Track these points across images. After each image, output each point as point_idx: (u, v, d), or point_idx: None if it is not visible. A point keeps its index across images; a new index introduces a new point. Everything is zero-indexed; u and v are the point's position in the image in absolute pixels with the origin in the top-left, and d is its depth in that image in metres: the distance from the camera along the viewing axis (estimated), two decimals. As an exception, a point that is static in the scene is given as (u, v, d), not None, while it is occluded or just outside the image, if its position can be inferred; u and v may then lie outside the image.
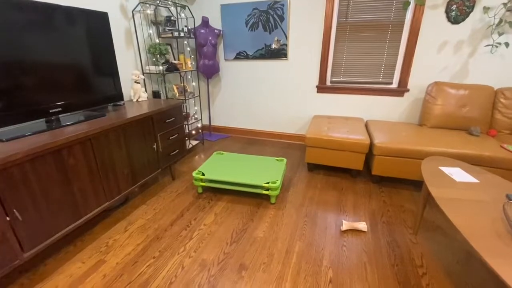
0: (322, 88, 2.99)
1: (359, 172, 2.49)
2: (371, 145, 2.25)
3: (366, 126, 2.69)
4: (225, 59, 3.27)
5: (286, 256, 1.52)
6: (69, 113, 1.77)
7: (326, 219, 1.85)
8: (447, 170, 1.60)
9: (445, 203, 1.28)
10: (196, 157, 2.94)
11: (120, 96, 1.94)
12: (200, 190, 2.17)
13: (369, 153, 2.34)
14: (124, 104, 2.14)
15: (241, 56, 3.18)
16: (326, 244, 1.61)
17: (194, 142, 3.13)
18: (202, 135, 3.34)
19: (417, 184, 2.31)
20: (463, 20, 2.37)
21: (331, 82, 2.96)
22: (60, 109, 1.54)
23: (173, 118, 2.21)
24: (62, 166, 1.38)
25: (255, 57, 3.12)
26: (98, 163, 1.58)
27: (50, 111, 1.49)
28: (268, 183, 1.95)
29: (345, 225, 1.72)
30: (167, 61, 2.53)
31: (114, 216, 1.89)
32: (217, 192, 2.19)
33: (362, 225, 1.71)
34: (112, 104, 2.08)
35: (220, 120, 3.66)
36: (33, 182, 1.26)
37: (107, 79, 1.83)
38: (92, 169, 1.55)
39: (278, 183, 1.95)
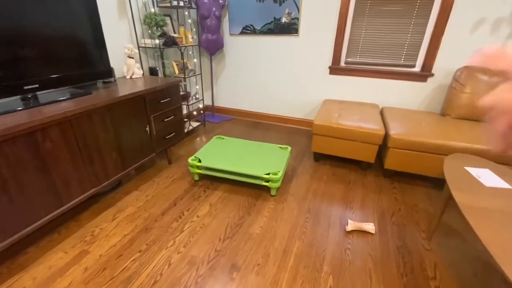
0: (335, 69, 2.71)
1: (370, 165, 2.28)
2: (386, 136, 2.02)
3: (382, 113, 2.45)
4: (230, 34, 3.00)
5: (283, 257, 1.39)
6: (51, 90, 1.61)
7: (331, 216, 1.69)
8: (474, 171, 1.39)
9: (471, 213, 1.09)
10: (197, 139, 2.79)
11: (108, 72, 1.76)
12: (196, 178, 2.03)
13: (383, 145, 2.12)
14: (115, 81, 1.96)
15: (247, 30, 2.89)
16: (328, 246, 1.46)
17: (194, 124, 2.96)
18: (203, 116, 3.16)
19: (435, 182, 2.10)
20: (508, -8, 2.01)
21: (345, 62, 2.67)
22: (36, 85, 1.37)
23: (168, 99, 2.03)
24: (36, 150, 1.23)
25: (262, 32, 2.83)
26: (80, 147, 1.44)
27: (25, 87, 1.33)
28: (268, 174, 1.79)
29: (351, 225, 1.56)
30: (164, 34, 2.29)
31: (103, 201, 1.79)
32: (214, 180, 2.04)
33: (370, 227, 1.55)
34: (102, 81, 1.90)
35: (223, 100, 3.45)
36: (2, 168, 1.12)
37: (92, 52, 1.64)
38: (74, 154, 1.41)
39: (280, 174, 1.78)
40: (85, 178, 1.51)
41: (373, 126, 2.04)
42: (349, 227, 1.55)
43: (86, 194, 1.53)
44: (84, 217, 1.64)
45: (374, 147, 2.05)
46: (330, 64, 2.72)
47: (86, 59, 1.60)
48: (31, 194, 1.25)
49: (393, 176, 2.15)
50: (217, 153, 2.04)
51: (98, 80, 1.85)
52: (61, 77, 1.48)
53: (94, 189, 1.58)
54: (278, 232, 1.55)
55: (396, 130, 1.96)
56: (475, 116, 2.14)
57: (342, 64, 2.69)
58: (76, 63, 1.55)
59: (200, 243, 1.46)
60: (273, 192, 1.87)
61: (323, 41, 2.65)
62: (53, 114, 1.25)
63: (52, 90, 1.61)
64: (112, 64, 2.10)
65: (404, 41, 2.41)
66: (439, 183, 2.07)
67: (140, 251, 1.41)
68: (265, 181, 1.82)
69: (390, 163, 2.01)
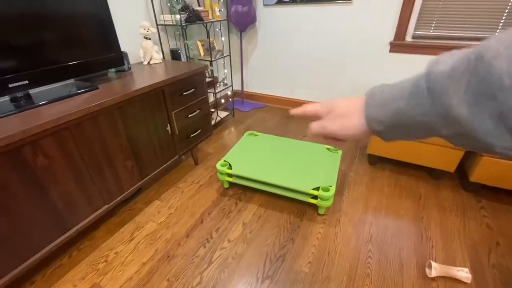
0: (398, 45, 2.13)
1: (444, 173, 1.78)
2: (478, 139, 1.50)
3: (462, 105, 1.88)
4: (264, 4, 2.49)
5: (343, 314, 1.04)
6: (48, 86, 1.31)
7: (402, 250, 1.28)
8: None
9: None
10: (226, 132, 2.44)
11: (119, 59, 1.41)
12: (226, 185, 1.70)
13: (471, 151, 1.60)
14: (130, 68, 1.63)
15: (285, -1, 2.37)
16: (405, 299, 1.08)
17: (222, 114, 2.60)
18: (232, 104, 2.78)
19: (539, 200, 1.57)
20: None
21: (413, 37, 2.08)
22: (26, 81, 1.07)
23: (192, 89, 1.66)
24: (25, 170, 0.95)
25: (305, 0, 2.29)
26: (85, 159, 1.14)
27: (10, 85, 1.03)
28: (317, 188, 1.40)
29: (436, 270, 1.14)
30: (186, 8, 1.88)
31: (121, 214, 1.54)
32: (247, 188, 1.70)
33: (464, 274, 1.12)
34: (114, 70, 1.58)
35: (254, 85, 3.02)
36: (-19, 198, 0.86)
37: (96, 34, 1.29)
38: (78, 168, 1.13)
39: (332, 191, 1.38)
40: (95, 195, 1.23)
41: (459, 125, 1.52)
42: (433, 273, 1.14)
43: (97, 213, 1.27)
44: (99, 235, 1.41)
45: (458, 153, 1.55)
46: (391, 39, 2.14)
47: (87, 44, 1.25)
48: (25, 223, 1.00)
49: (477, 190, 1.65)
50: (250, 156, 1.68)
51: (108, 70, 1.53)
52: (57, 69, 1.16)
53: (106, 206, 1.31)
54: (333, 273, 1.18)
55: (494, 133, 1.42)
56: None
57: (408, 39, 2.10)
58: (75, 50, 1.21)
59: (233, 284, 1.15)
60: (321, 211, 1.48)
61: (384, 9, 2.06)
62: (43, 123, 0.94)
63: (49, 86, 1.31)
64: (126, 48, 1.76)
65: (504, 5, 1.76)
66: (547, 203, 1.54)
67: (160, 290, 1.13)
68: (312, 197, 1.44)
69: (479, 175, 1.51)
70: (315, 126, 0.37)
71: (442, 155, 1.59)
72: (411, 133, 0.28)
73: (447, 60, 0.23)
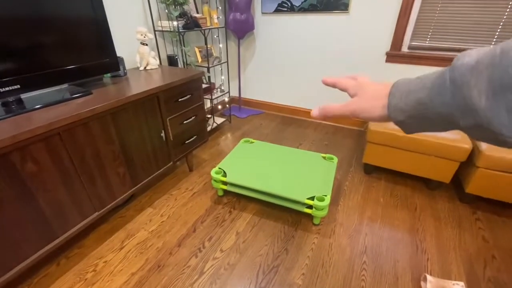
0: (394, 56, 2.15)
1: (440, 184, 1.77)
2: (474, 152, 1.50)
3: (458, 115, 1.88)
4: (263, 13, 2.51)
5: (336, 329, 1.01)
6: (41, 91, 1.29)
7: (397, 262, 1.26)
8: None
9: None
10: (222, 138, 2.43)
11: (114, 64, 1.40)
12: (220, 193, 1.68)
13: (467, 162, 1.59)
14: (126, 74, 1.62)
15: (284, 7, 2.38)
16: (400, 314, 1.06)
17: (219, 120, 2.59)
18: (229, 110, 2.77)
19: (534, 212, 1.57)
20: None
21: (409, 48, 2.10)
22: (17, 86, 1.05)
23: (188, 96, 1.65)
24: (13, 176, 0.93)
25: (303, 9, 2.31)
26: (75, 164, 1.12)
27: (1, 89, 1.01)
28: (312, 198, 1.38)
29: (431, 283, 1.12)
30: (184, 14, 1.88)
31: (112, 221, 1.50)
32: (241, 196, 1.68)
33: (459, 288, 1.10)
34: (110, 75, 1.57)
35: (252, 92, 3.02)
36: (-35, 205, 0.83)
37: (91, 38, 1.28)
38: (68, 174, 1.10)
39: (327, 200, 1.36)
40: (85, 202, 1.21)
41: (454, 136, 1.52)
42: (428, 286, 1.12)
43: (87, 220, 1.24)
44: (88, 242, 1.37)
45: (453, 164, 1.54)
46: (388, 49, 2.15)
47: (82, 48, 1.24)
48: (11, 231, 0.97)
49: (473, 201, 1.64)
50: (246, 164, 1.66)
51: (103, 75, 1.52)
52: (49, 73, 1.14)
53: (97, 213, 1.28)
54: (327, 285, 1.16)
55: (488, 145, 1.42)
56: None
57: (405, 49, 2.12)
58: (69, 54, 1.20)
59: (225, 295, 1.12)
60: (316, 221, 1.47)
61: (381, 19, 2.08)
62: (34, 128, 0.93)
63: (42, 90, 1.29)
64: (123, 53, 1.75)
65: (499, 18, 1.78)
66: (542, 215, 1.53)
67: (149, 301, 1.10)
68: (306, 207, 1.42)
69: (474, 186, 1.51)
70: (336, 107, 0.37)
71: (438, 166, 1.59)
72: (430, 125, 0.29)
73: (473, 54, 0.24)
